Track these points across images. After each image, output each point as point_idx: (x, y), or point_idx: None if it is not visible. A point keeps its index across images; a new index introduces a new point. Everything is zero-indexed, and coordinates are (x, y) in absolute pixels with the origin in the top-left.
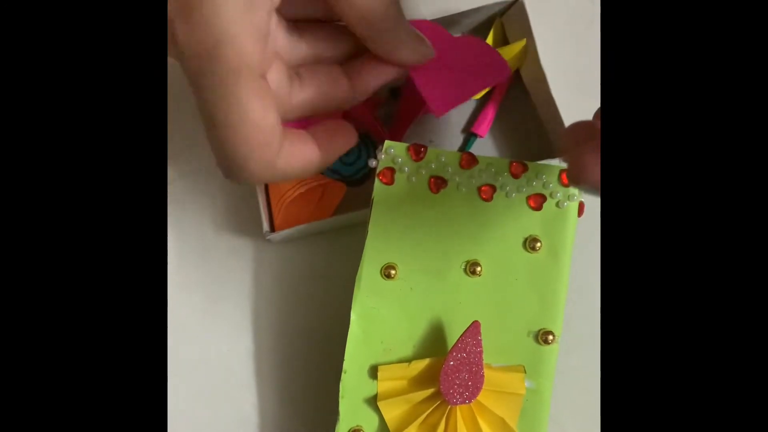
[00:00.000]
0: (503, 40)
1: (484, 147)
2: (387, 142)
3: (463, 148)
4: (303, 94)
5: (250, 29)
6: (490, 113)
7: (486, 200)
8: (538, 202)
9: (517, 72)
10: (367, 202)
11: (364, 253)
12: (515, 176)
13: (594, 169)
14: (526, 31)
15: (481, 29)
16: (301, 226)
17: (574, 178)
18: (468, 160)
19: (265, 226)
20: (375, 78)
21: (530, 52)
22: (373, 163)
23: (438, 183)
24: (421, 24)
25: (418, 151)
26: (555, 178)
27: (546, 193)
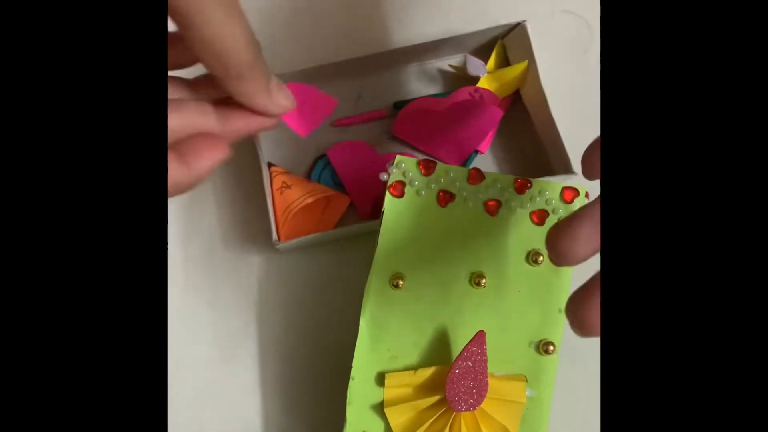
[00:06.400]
0: (504, 61)
1: (485, 163)
2: (398, 157)
3: (465, 163)
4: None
5: None
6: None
7: (491, 215)
8: (540, 217)
9: (518, 92)
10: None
11: (373, 263)
12: (520, 192)
13: (596, 318)
14: (528, 54)
15: (484, 50)
16: (310, 236)
17: (577, 328)
18: (475, 175)
19: (275, 235)
20: (243, 122)
21: (531, 73)
22: (384, 177)
23: (446, 197)
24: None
25: (427, 166)
26: (557, 195)
27: (548, 209)
